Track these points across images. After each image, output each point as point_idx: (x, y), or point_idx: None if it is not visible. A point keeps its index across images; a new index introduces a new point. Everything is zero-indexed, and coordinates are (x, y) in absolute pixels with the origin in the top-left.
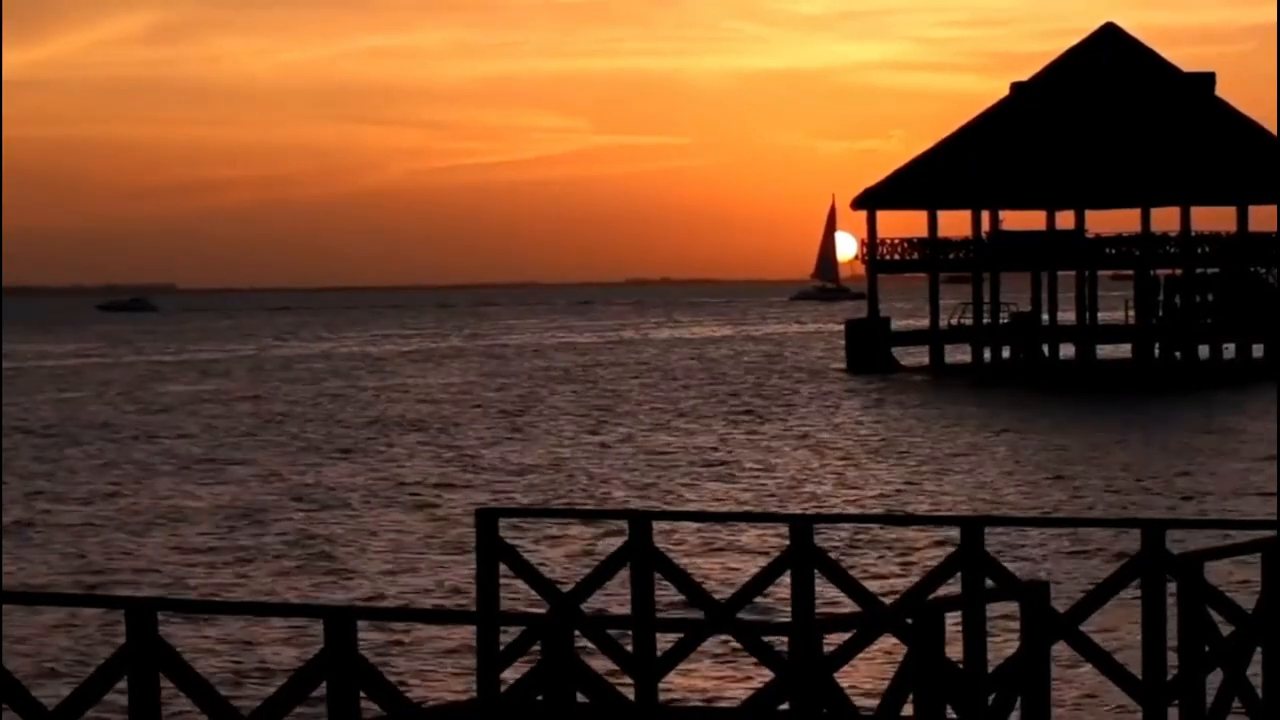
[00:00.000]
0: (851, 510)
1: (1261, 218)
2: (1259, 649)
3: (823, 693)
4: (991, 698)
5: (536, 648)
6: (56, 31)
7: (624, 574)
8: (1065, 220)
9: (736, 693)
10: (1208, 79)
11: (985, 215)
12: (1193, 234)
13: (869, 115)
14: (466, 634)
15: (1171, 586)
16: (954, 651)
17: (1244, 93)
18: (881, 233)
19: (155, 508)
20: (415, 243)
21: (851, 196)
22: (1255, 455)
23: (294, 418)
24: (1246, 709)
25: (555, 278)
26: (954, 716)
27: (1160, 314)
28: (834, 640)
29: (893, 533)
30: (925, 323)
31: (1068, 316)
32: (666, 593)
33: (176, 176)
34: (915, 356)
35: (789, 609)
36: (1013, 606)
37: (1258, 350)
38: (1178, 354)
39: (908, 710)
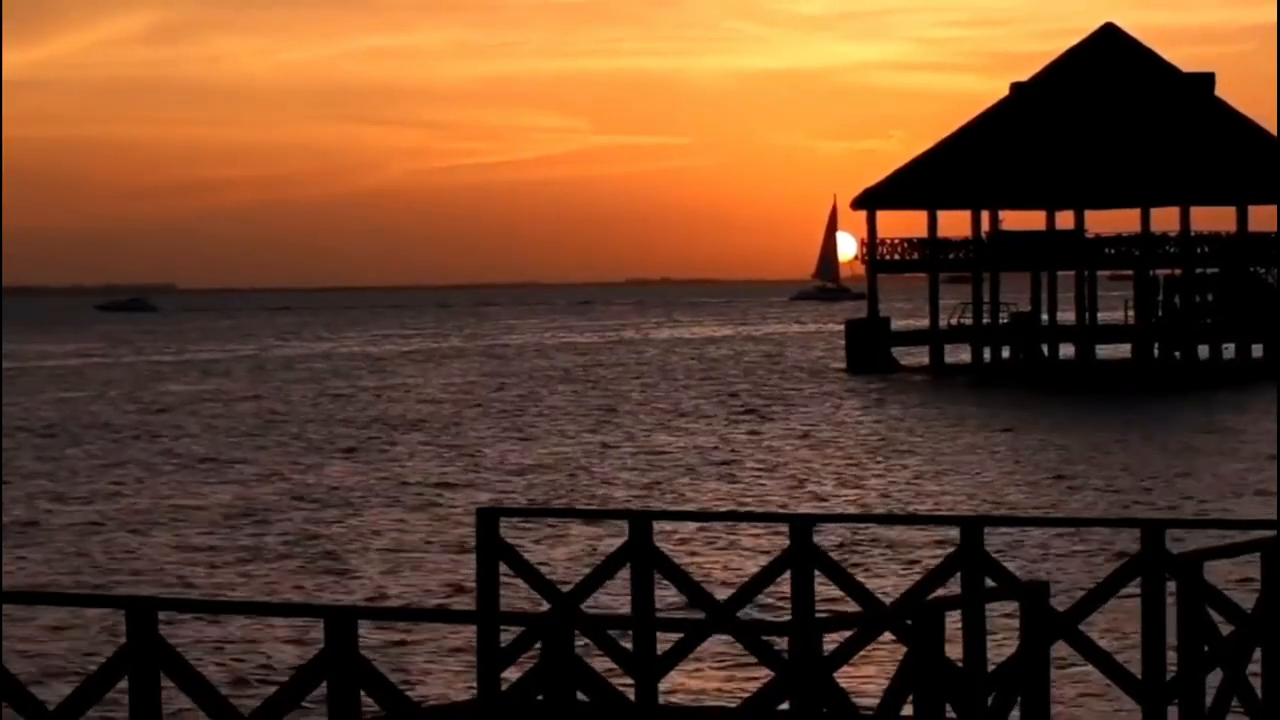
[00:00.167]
0: (851, 510)
1: (1261, 218)
2: (1258, 649)
3: (823, 692)
4: (991, 697)
5: (537, 647)
6: (56, 31)
7: (624, 574)
8: (1065, 220)
9: (736, 693)
10: (1207, 79)
11: (985, 215)
12: (1192, 234)
13: (869, 115)
14: (467, 633)
15: (1171, 586)
16: (954, 651)
17: (1244, 93)
18: (881, 233)
19: (156, 507)
20: (415, 243)
21: (852, 196)
22: (1255, 455)
23: (295, 417)
24: (1246, 709)
25: (555, 278)
26: (954, 716)
27: (1160, 314)
28: (834, 640)
29: (893, 532)
30: (925, 323)
31: (1067, 316)
32: (667, 593)
33: (176, 176)
34: (915, 356)
35: (789, 609)
36: (1013, 606)
37: (1257, 350)
38: (1177, 354)
39: (907, 710)
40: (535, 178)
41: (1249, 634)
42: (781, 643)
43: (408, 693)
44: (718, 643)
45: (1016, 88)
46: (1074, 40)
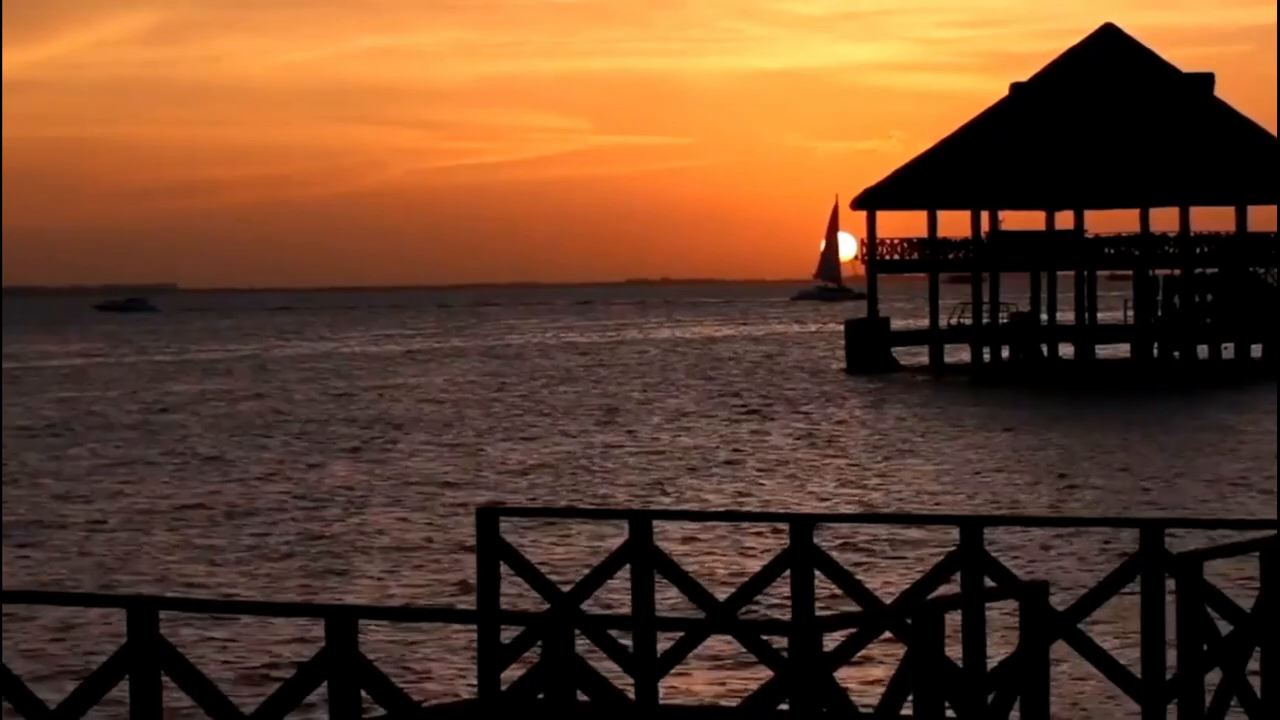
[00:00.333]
0: (852, 510)
1: (1260, 218)
2: (1258, 648)
3: (823, 692)
4: (991, 696)
5: (537, 647)
6: (57, 31)
7: (624, 574)
8: (1064, 220)
9: (736, 692)
10: (1207, 79)
11: (985, 215)
12: (1192, 234)
13: (869, 115)
14: (467, 633)
15: (1171, 585)
16: (954, 651)
17: (1243, 93)
18: (881, 233)
19: (158, 507)
20: (415, 243)
21: (852, 197)
22: (1255, 455)
23: (296, 417)
24: (1245, 708)
25: (555, 278)
26: (953, 715)
27: (1159, 314)
28: (834, 639)
29: (893, 532)
30: (925, 323)
31: (1067, 316)
32: (667, 592)
33: (176, 176)
34: (915, 356)
35: (789, 608)
36: (1012, 605)
37: (1256, 350)
38: (1176, 354)
39: (907, 709)
40: (535, 178)
41: (1248, 633)
42: (781, 643)
43: (408, 692)
44: (718, 643)
45: (1016, 88)
46: (1074, 40)
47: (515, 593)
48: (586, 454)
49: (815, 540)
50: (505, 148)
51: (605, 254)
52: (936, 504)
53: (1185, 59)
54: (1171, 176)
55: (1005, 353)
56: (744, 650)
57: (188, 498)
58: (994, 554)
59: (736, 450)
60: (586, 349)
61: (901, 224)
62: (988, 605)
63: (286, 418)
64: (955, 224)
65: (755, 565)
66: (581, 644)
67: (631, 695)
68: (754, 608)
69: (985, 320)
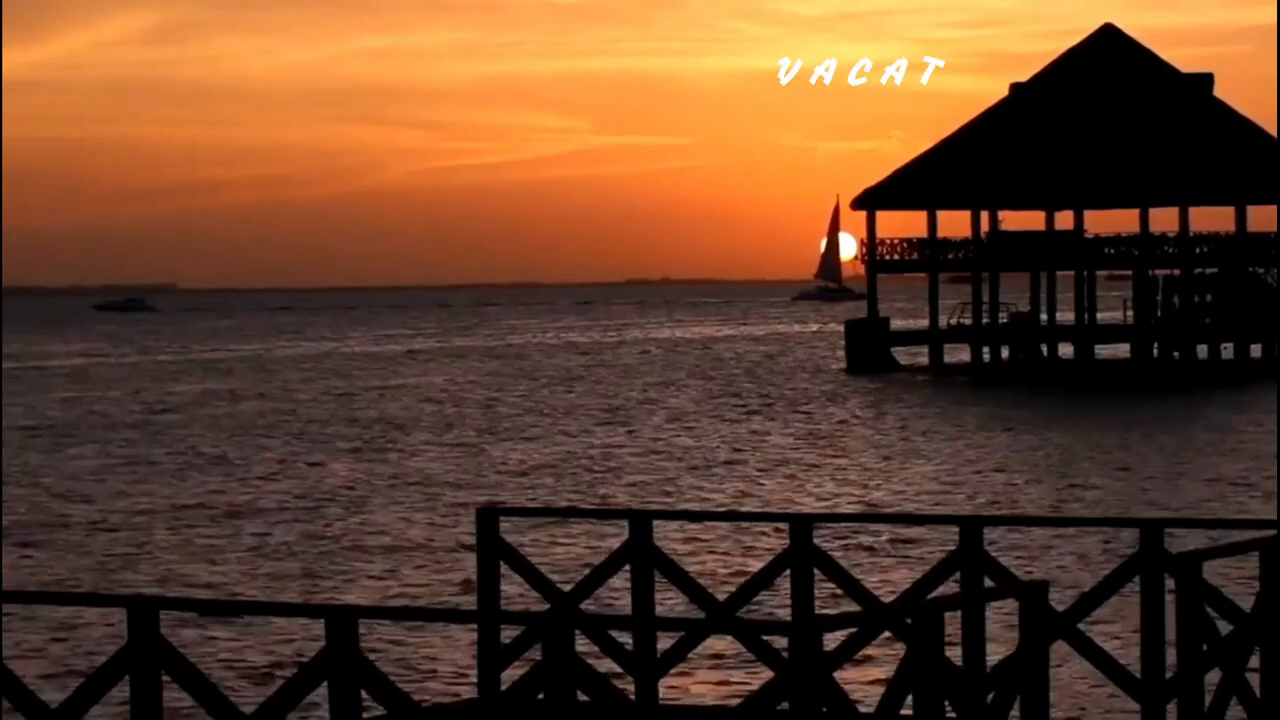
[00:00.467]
0: (851, 509)
1: (1260, 218)
2: (1257, 648)
3: (822, 692)
4: (990, 696)
5: (537, 647)
6: (57, 31)
7: (624, 574)
8: (1064, 220)
9: (736, 692)
10: (1206, 80)
11: (985, 215)
12: (1191, 234)
13: (869, 115)
14: (468, 633)
15: (1170, 585)
16: (953, 650)
17: (1243, 93)
18: (881, 233)
19: (158, 507)
20: (415, 243)
21: (852, 197)
22: (1254, 455)
23: (298, 417)
24: (1245, 708)
25: (555, 278)
26: (953, 715)
27: (1159, 314)
28: (834, 639)
29: (892, 532)
30: (925, 323)
31: (1067, 316)
32: (667, 592)
33: (176, 176)
34: (915, 356)
35: (789, 608)
36: (1012, 605)
37: (1256, 350)
38: (1176, 354)
39: (907, 709)
40: (535, 178)
41: (1248, 633)
42: (781, 642)
43: (409, 692)
44: (718, 643)
45: (1016, 88)
46: (1073, 41)
47: (515, 593)
48: (586, 454)
49: (815, 540)
50: (505, 148)
51: (605, 254)
52: (936, 504)
53: (1185, 59)
54: (1171, 176)
55: (1005, 353)
56: (744, 650)
57: (189, 497)
58: (994, 554)
59: (737, 450)
60: (587, 349)
61: (901, 224)
62: (987, 605)
63: (287, 418)
64: (955, 224)
65: (755, 565)
66: (581, 644)
67: (631, 695)
68: (754, 608)
69: (985, 320)
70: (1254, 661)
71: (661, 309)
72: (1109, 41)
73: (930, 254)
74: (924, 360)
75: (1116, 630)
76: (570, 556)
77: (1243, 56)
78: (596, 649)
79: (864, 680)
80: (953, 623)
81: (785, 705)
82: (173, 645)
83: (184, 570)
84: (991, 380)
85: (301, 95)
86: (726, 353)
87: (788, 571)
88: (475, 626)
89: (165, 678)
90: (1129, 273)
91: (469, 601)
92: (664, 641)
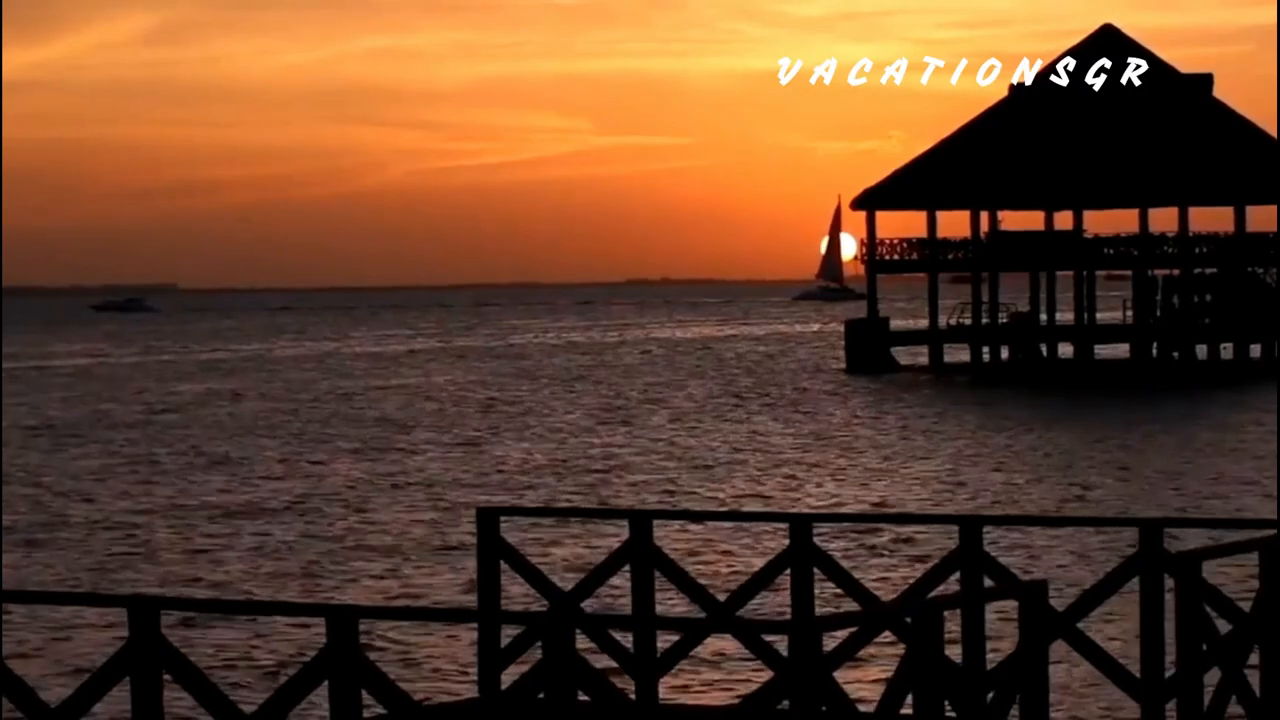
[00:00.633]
0: (851, 509)
1: (1259, 218)
2: (1256, 647)
3: (823, 691)
4: (990, 696)
5: (537, 647)
6: (58, 32)
7: (624, 574)
8: (1064, 221)
9: (736, 692)
10: (1206, 80)
11: (984, 215)
12: (1190, 234)
13: (869, 115)
14: (468, 633)
15: (1170, 585)
16: (953, 650)
17: (1242, 93)
18: (881, 233)
19: (159, 506)
20: (415, 243)
21: (852, 197)
22: (1254, 454)
23: (299, 416)
24: (1244, 707)
25: (555, 278)
26: (953, 714)
27: (1158, 314)
28: (834, 639)
29: (892, 531)
30: (925, 323)
31: (1066, 316)
32: (667, 592)
33: (176, 176)
34: (915, 356)
35: (789, 608)
36: (1011, 605)
37: (1255, 350)
38: (1175, 354)
39: (907, 708)
40: (535, 178)
41: (1247, 633)
42: (781, 642)
43: (409, 692)
44: (718, 642)
45: (1016, 88)
46: (1074, 40)
47: (516, 592)
48: (587, 454)
49: (815, 540)
50: (505, 148)
51: (605, 254)
52: (936, 504)
53: (1185, 59)
54: (1170, 177)
55: (1005, 353)
56: (744, 650)
57: (189, 497)
58: (994, 554)
59: (737, 450)
60: (587, 349)
61: (901, 224)
62: (987, 605)
63: (288, 418)
64: (955, 224)
65: (755, 565)
66: (582, 644)
67: (631, 695)
68: (754, 608)
69: (985, 320)
70: (1253, 660)
71: (662, 309)
72: (1109, 41)
73: (930, 254)
74: (924, 360)
75: (1116, 630)
76: (570, 556)
77: (1243, 56)
78: (596, 649)
79: (864, 680)
80: (952, 622)
81: (785, 705)
82: (173, 645)
83: (185, 570)
84: (991, 380)
85: (301, 95)
86: (727, 353)
87: (788, 571)
88: (475, 626)
89: (166, 677)
90: (1128, 273)
91: (469, 601)
92: (664, 641)
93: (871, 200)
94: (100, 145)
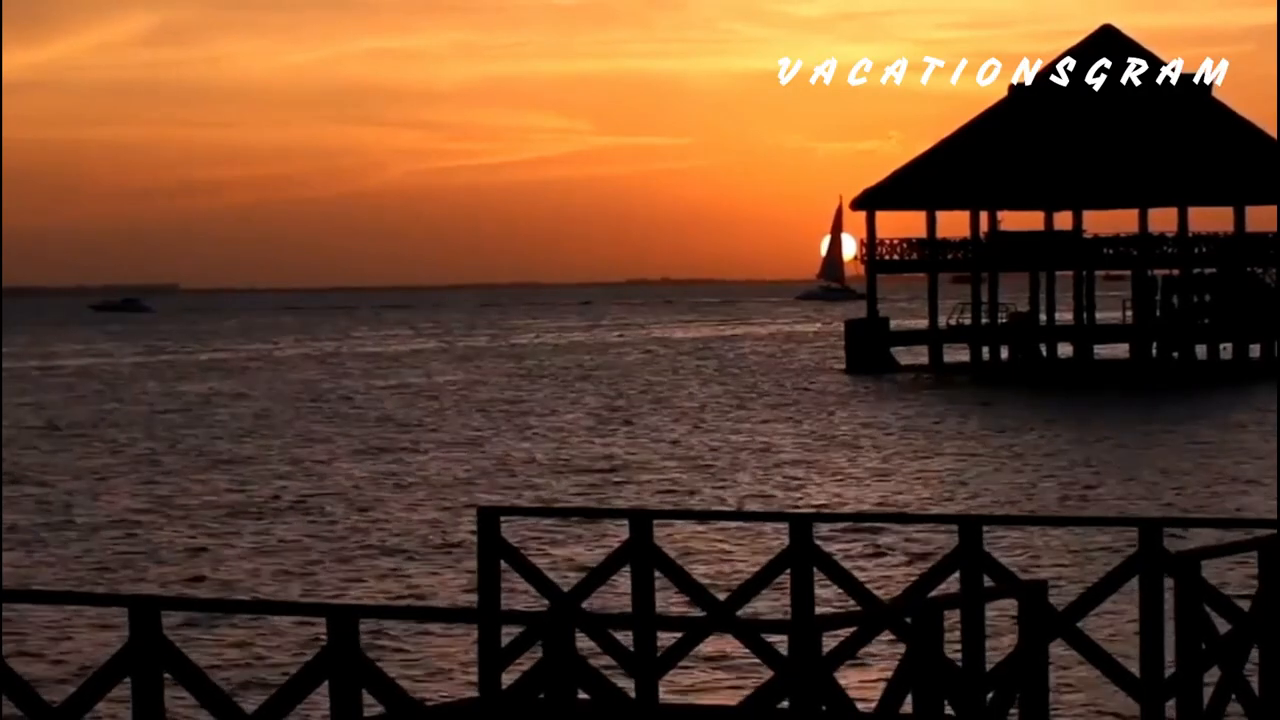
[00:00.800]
0: (852, 509)
1: (1259, 218)
2: (1256, 647)
3: (822, 691)
4: (990, 695)
5: (538, 646)
6: (58, 33)
7: (624, 573)
8: (1063, 221)
9: (736, 692)
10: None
11: (984, 215)
12: (1190, 234)
13: (869, 116)
14: (468, 633)
15: (1169, 584)
16: (953, 650)
17: (1243, 93)
18: (881, 233)
19: (160, 506)
20: (416, 243)
21: (852, 197)
22: (1253, 454)
23: (300, 416)
24: (1244, 707)
25: (555, 278)
26: (953, 714)
27: (1158, 314)
28: (834, 639)
29: (892, 531)
30: (924, 323)
31: (1066, 316)
32: (667, 592)
33: (176, 176)
34: (915, 356)
35: (789, 608)
36: (1011, 605)
37: (1255, 350)
38: (1175, 354)
39: (907, 708)
40: (535, 178)
41: (1247, 632)
42: (781, 642)
43: (410, 691)
44: (718, 642)
45: (1016, 88)
46: (1073, 41)
47: (516, 592)
48: (589, 454)
49: (815, 540)
50: (505, 148)
51: (605, 254)
52: (936, 504)
53: (1185, 59)
54: (1170, 177)
55: (1004, 353)
56: (744, 650)
57: (191, 497)
58: (994, 554)
59: (737, 450)
60: (588, 349)
61: (901, 224)
62: (987, 604)
63: (289, 418)
64: (955, 224)
65: (755, 565)
66: (582, 643)
67: (632, 695)
68: (754, 607)
69: (984, 320)
70: (1253, 660)
71: (662, 309)
72: (1109, 42)
73: (930, 254)
74: (924, 360)
75: (1116, 630)
76: (570, 556)
77: (1243, 56)
78: (597, 648)
79: (864, 680)
80: (952, 622)
81: (785, 705)
82: (174, 645)
83: (185, 570)
84: (991, 380)
85: (302, 96)
86: (727, 353)
87: (788, 571)
88: (476, 626)
89: (166, 677)
90: (1128, 273)
91: (470, 601)
92: (664, 641)
93: (871, 200)
94: (100, 145)
